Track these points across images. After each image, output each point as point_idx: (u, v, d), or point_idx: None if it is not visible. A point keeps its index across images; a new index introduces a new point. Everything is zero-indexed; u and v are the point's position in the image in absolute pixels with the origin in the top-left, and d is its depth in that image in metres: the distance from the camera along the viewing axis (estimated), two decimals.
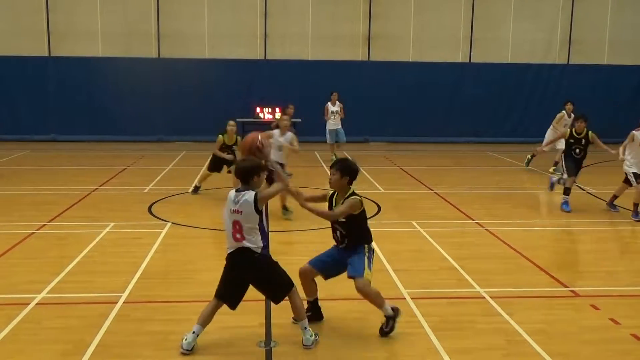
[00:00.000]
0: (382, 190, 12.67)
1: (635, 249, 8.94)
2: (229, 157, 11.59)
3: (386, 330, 5.59)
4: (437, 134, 21.10)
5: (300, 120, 19.98)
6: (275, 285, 5.37)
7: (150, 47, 20.78)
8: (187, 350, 5.19)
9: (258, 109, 20.34)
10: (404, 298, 6.54)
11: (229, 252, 5.27)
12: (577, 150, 10.91)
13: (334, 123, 16.81)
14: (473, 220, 10.15)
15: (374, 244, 5.74)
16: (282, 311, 5.98)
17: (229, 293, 5.32)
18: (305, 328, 5.40)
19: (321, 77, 20.64)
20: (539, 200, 12.04)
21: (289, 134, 10.43)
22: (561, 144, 14.46)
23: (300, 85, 20.48)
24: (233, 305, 5.36)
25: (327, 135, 16.97)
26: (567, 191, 10.86)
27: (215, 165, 11.96)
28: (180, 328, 5.61)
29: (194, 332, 5.25)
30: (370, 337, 5.61)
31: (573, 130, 10.98)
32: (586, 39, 21.70)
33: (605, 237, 9.58)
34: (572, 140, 10.96)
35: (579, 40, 21.67)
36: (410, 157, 17.74)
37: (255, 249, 5.19)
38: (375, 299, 5.56)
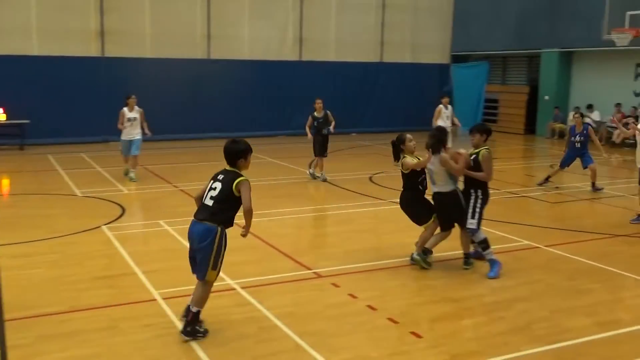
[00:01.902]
0: (126, 191, 12.20)
1: (370, 229, 9.81)
2: None
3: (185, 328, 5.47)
4: (181, 131, 20.93)
5: (29, 121, 18.38)
6: None
7: None
8: None
9: None
10: (155, 299, 6.39)
11: None
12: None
13: (130, 132, 13.18)
14: None
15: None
16: (19, 331, 5.46)
17: None
18: None
19: (52, 74, 19.15)
20: (283, 190, 12.60)
21: None
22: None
23: (27, 83, 18.75)
24: None
25: (122, 146, 13.40)
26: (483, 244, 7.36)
27: None
28: None
29: None
30: (122, 345, 5.38)
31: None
32: (315, 37, 23.26)
33: (344, 220, 10.38)
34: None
35: (309, 38, 23.14)
36: (153, 155, 17.32)
37: None
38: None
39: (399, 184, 7.84)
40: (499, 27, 24.07)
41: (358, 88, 23.70)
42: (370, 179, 13.62)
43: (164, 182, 13.07)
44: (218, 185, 5.51)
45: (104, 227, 9.21)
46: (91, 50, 20.10)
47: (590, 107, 21.75)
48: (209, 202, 5.46)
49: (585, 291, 6.89)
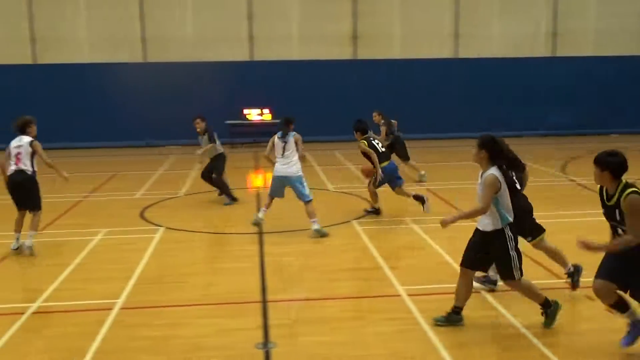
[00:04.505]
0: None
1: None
2: None
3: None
4: (422, 131, 20.94)
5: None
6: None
7: (136, 52, 20.73)
8: None
9: (246, 111, 20.42)
10: (400, 295, 6.53)
11: None
12: None
13: (278, 168, 9.20)
14: None
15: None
16: (280, 312, 6.01)
17: None
18: None
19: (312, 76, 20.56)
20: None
21: None
22: None
23: (289, 86, 20.37)
24: None
25: None
26: None
27: None
28: (176, 332, 5.62)
29: None
30: (368, 336, 5.62)
31: None
32: (573, 29, 21.73)
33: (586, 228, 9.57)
34: None
35: (563, 32, 21.73)
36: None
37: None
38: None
39: None
40: None
41: (617, 84, 21.58)
42: None
43: (413, 182, 13.15)
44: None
45: (353, 222, 9.70)
46: (346, 53, 21.31)
47: None
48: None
49: None
